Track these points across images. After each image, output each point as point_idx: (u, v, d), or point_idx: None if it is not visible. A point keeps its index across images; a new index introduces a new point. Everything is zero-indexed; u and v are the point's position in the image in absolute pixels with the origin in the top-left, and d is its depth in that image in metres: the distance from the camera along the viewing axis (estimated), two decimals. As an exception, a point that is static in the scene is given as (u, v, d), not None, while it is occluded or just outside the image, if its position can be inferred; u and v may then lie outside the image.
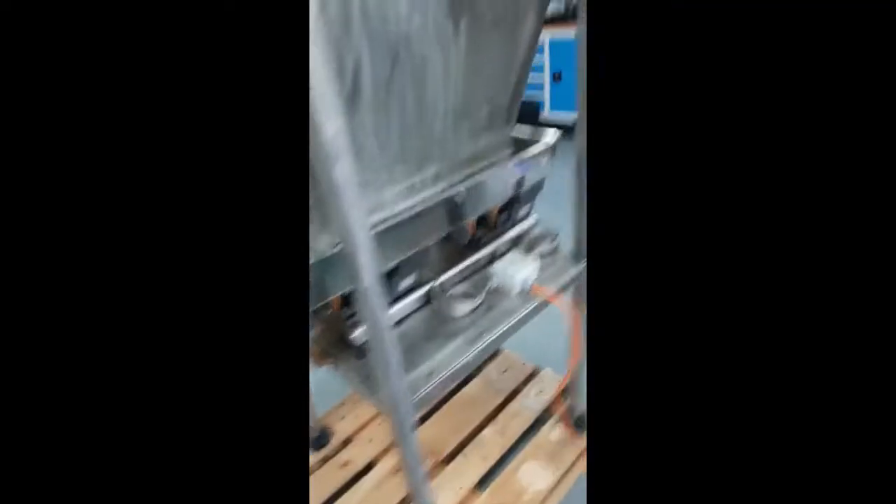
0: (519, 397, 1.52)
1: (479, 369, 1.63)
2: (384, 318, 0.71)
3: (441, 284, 1.06)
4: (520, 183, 1.10)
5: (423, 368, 0.90)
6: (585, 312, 1.19)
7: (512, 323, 0.99)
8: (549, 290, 1.04)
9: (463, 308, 1.01)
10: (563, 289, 1.11)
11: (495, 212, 1.17)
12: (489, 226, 1.18)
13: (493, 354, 1.68)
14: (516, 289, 1.04)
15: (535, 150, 1.05)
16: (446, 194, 0.92)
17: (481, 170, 0.99)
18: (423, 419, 1.47)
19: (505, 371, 1.61)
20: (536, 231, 1.21)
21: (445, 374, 0.89)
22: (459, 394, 1.55)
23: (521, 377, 1.58)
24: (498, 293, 1.06)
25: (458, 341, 0.95)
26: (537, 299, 1.03)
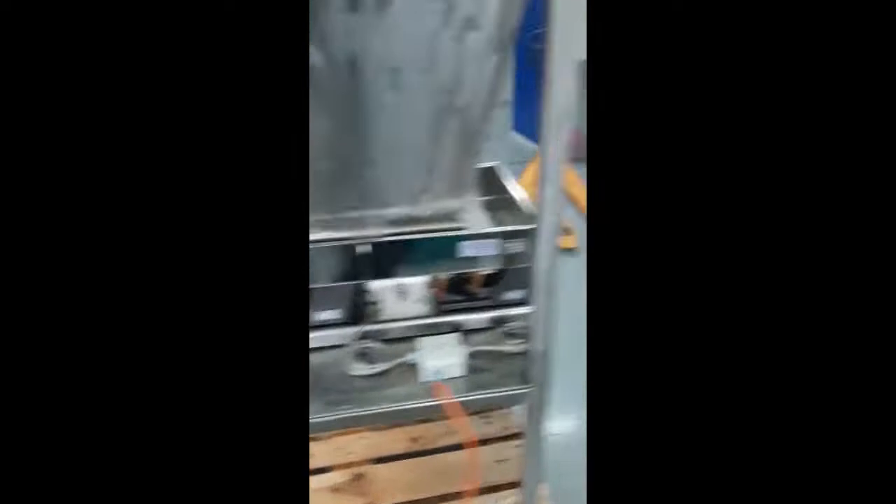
0: (492, 496, 1.29)
1: (481, 443, 1.44)
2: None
3: (364, 332, 0.96)
4: (495, 260, 0.90)
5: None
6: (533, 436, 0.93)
7: (384, 410, 0.84)
8: (451, 396, 0.85)
9: (356, 368, 0.90)
10: (500, 405, 0.89)
11: (476, 284, 0.99)
12: (469, 296, 1.01)
13: (507, 436, 1.45)
14: (421, 375, 0.88)
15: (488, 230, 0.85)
16: (350, 242, 0.82)
17: (415, 232, 0.84)
18: (389, 459, 1.38)
19: (501, 461, 1.38)
20: (521, 324, 0.99)
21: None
22: (444, 455, 1.40)
23: (511, 478, 1.33)
24: (411, 371, 0.91)
25: (321, 400, 0.86)
26: (434, 399, 0.85)
